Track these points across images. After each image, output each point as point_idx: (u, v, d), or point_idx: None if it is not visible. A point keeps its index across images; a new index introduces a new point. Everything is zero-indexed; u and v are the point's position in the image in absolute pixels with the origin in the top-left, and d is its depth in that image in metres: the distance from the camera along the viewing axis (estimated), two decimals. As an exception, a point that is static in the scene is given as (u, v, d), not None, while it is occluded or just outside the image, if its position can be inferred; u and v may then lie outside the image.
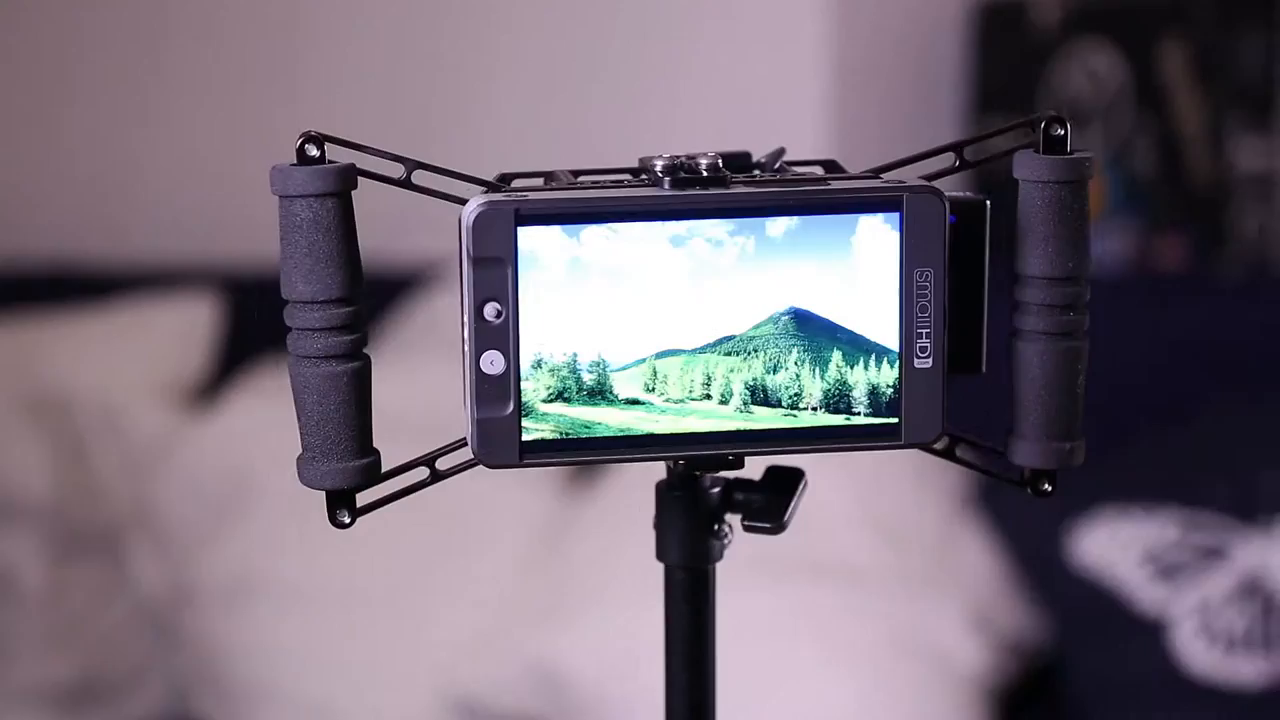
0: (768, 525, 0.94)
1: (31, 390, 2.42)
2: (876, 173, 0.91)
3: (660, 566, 2.05)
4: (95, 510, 2.40)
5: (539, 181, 0.93)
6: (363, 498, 0.90)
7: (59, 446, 2.41)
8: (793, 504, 0.95)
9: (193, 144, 2.64)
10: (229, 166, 2.36)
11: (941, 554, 2.23)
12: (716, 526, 0.96)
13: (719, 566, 2.07)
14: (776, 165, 0.93)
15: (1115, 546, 2.18)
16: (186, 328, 2.45)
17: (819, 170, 0.95)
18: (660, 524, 0.96)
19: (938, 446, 0.92)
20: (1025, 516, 2.27)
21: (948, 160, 0.90)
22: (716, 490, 0.96)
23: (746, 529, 0.96)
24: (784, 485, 0.96)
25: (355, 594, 2.23)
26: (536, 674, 2.10)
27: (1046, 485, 0.92)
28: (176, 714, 2.35)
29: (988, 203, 0.93)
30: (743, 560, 2.05)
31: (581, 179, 0.93)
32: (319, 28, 2.67)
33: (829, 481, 2.20)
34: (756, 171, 0.93)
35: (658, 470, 0.97)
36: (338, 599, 2.23)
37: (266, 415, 2.14)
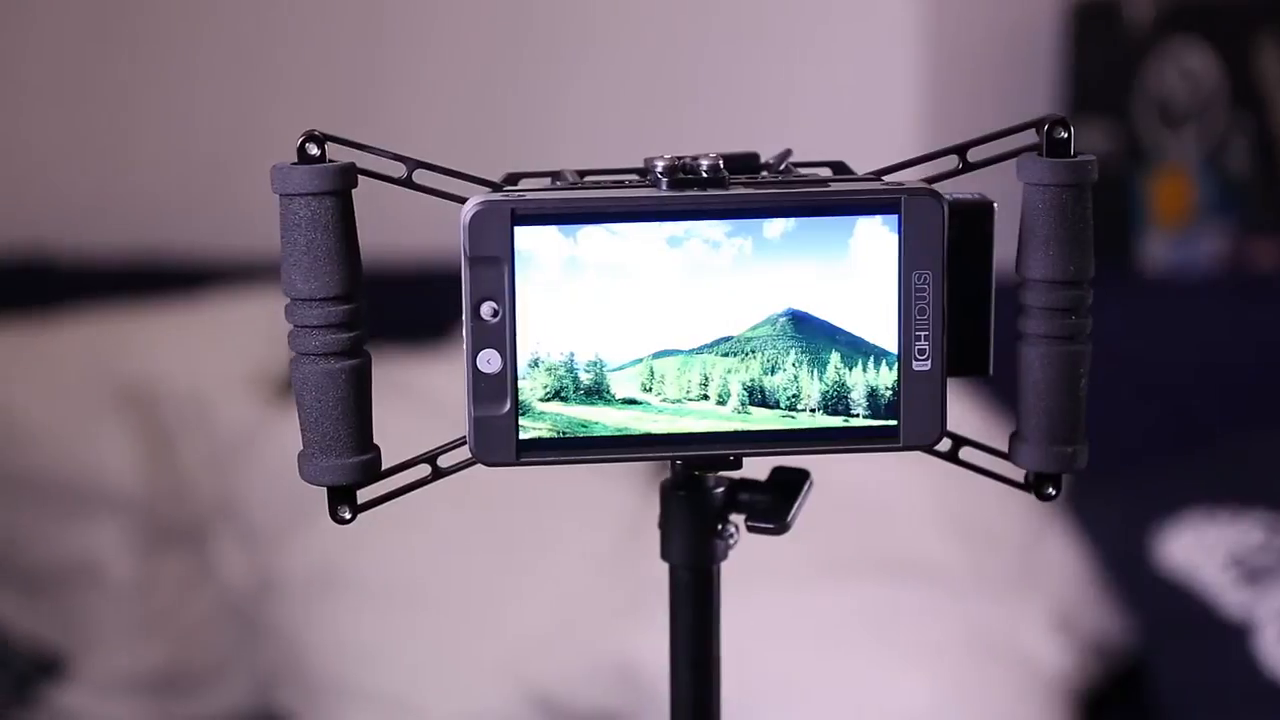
0: (771, 526, 0.94)
1: (120, 383, 2.45)
2: (879, 175, 0.90)
3: (748, 566, 2.06)
4: (182, 502, 2.43)
5: (546, 181, 0.93)
6: (366, 494, 0.90)
7: (147, 439, 2.44)
8: (797, 505, 0.95)
9: (286, 138, 2.66)
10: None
11: (1026, 554, 2.22)
12: (720, 526, 0.96)
13: (812, 565, 2.07)
14: (782, 166, 0.93)
15: (1201, 549, 2.16)
16: (274, 321, 2.46)
17: (827, 171, 0.95)
18: (664, 524, 0.96)
19: (941, 449, 0.92)
20: (1111, 518, 2.25)
21: (951, 163, 0.90)
22: (721, 490, 0.96)
23: (750, 529, 0.96)
24: (789, 486, 0.96)
25: (436, 589, 2.25)
26: (614, 670, 2.11)
27: (1051, 489, 0.91)
28: (259, 707, 2.37)
29: (994, 205, 0.93)
30: (825, 558, 2.06)
31: (587, 179, 0.93)
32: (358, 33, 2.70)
33: (912, 481, 2.21)
34: (764, 173, 0.93)
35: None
36: (419, 593, 2.24)
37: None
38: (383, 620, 2.25)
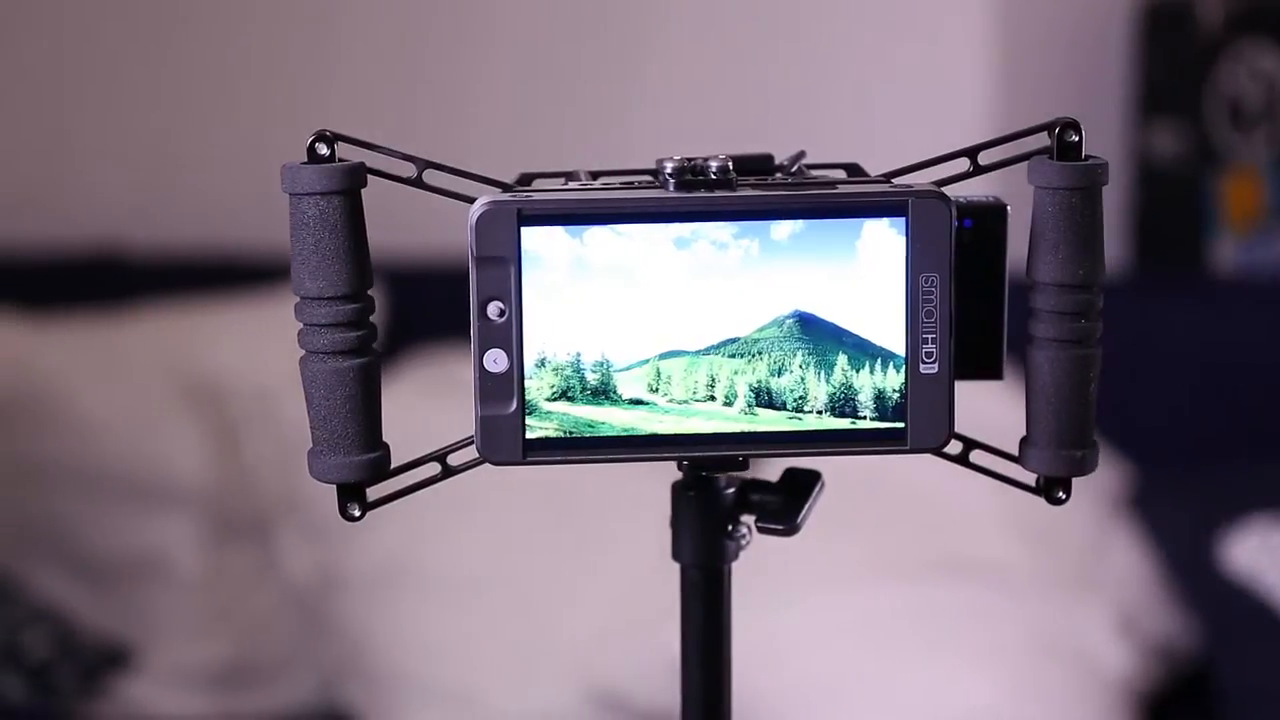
0: (781, 527, 0.94)
1: (189, 378, 2.47)
2: (890, 177, 0.90)
3: (821, 568, 2.06)
4: (248, 497, 2.44)
5: (560, 181, 0.93)
6: (376, 491, 0.91)
7: (214, 434, 2.46)
8: (807, 506, 0.95)
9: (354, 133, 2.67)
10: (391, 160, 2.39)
11: (1091, 556, 2.21)
12: (731, 527, 0.96)
13: (875, 565, 2.07)
14: (794, 168, 0.93)
15: (1266, 553, 2.15)
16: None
17: (841, 173, 0.95)
18: (675, 523, 0.96)
19: (951, 452, 0.92)
20: (1177, 520, 2.24)
21: (962, 165, 0.89)
22: (731, 491, 0.96)
23: (760, 530, 0.96)
24: (800, 487, 0.96)
25: (499, 585, 2.25)
26: (675, 668, 2.10)
27: (1061, 494, 0.91)
28: (323, 702, 2.38)
29: (1007, 207, 0.92)
30: (887, 559, 2.06)
31: (601, 179, 0.94)
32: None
33: (975, 481, 2.19)
34: (778, 174, 0.93)
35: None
36: (481, 589, 2.25)
37: (419, 405, 2.16)
38: (445, 616, 2.26)
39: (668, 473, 2.16)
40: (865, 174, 0.93)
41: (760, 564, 2.05)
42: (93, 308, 2.60)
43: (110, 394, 2.50)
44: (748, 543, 0.97)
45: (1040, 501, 2.14)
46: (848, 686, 2.05)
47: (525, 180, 0.94)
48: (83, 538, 2.44)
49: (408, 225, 1.91)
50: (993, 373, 0.94)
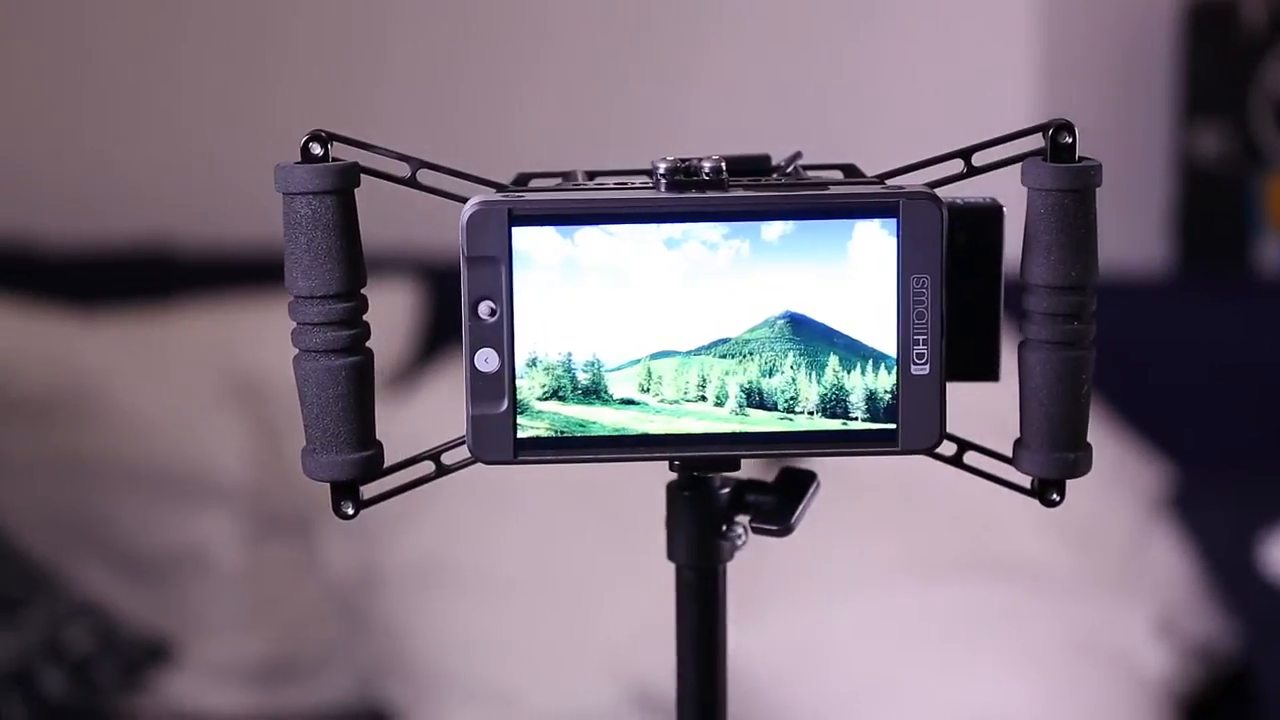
0: (774, 528, 0.94)
1: (233, 374, 2.49)
2: (884, 178, 0.90)
3: (860, 568, 2.06)
4: (289, 493, 2.46)
5: (557, 182, 0.94)
6: (371, 489, 0.92)
7: (256, 430, 2.48)
8: (801, 507, 0.95)
9: (399, 129, 2.69)
10: (432, 157, 2.40)
11: (1130, 557, 2.20)
12: (725, 527, 0.96)
13: (914, 565, 2.07)
14: (789, 169, 0.93)
15: (1307, 556, 2.15)
16: (384, 315, 2.49)
17: (838, 174, 0.95)
18: (669, 523, 0.97)
19: (945, 453, 0.92)
20: (1218, 521, 2.23)
21: (956, 166, 0.89)
22: (726, 491, 0.96)
23: (754, 531, 0.96)
24: (796, 488, 0.96)
25: (538, 582, 2.26)
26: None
27: (1055, 495, 0.91)
28: (362, 699, 2.39)
29: (1003, 208, 0.92)
30: (927, 558, 2.06)
31: (597, 179, 0.94)
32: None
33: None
34: (774, 175, 0.93)
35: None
36: (520, 587, 2.26)
37: (461, 402, 2.17)
38: (484, 614, 2.27)
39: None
40: (862, 175, 0.93)
41: (798, 564, 2.07)
42: (139, 304, 2.61)
43: (155, 390, 2.52)
44: (744, 543, 0.97)
45: (1081, 501, 2.14)
46: (885, 687, 2.05)
47: (522, 180, 0.94)
48: (125, 533, 2.46)
49: (445, 223, 1.92)
50: (989, 374, 0.94)
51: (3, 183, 2.77)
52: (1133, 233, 2.60)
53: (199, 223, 2.72)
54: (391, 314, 2.52)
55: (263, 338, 2.54)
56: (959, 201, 0.93)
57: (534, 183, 0.94)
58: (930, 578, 2.12)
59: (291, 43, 2.78)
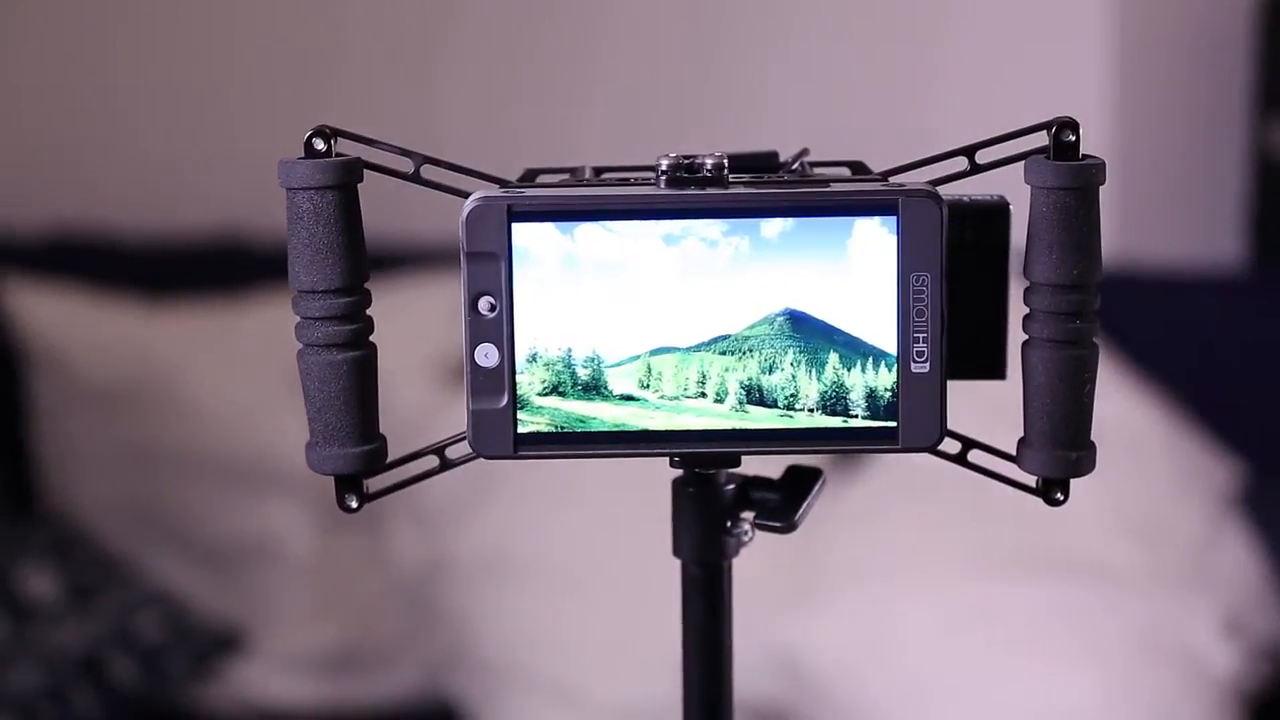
0: (778, 525, 0.95)
1: (303, 364, 2.50)
2: (886, 176, 0.90)
3: (927, 563, 2.06)
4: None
5: (566, 177, 0.94)
6: (376, 483, 0.92)
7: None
8: (806, 504, 0.95)
9: (482, 125, 2.70)
10: (511, 151, 2.42)
11: (1199, 554, 2.18)
12: (730, 524, 0.96)
13: (982, 561, 2.06)
14: (794, 165, 0.93)
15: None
16: (455, 306, 2.48)
17: (845, 171, 0.94)
18: (674, 519, 0.97)
19: (949, 451, 0.91)
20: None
21: (960, 164, 0.89)
22: (732, 487, 0.96)
23: (757, 528, 0.96)
24: (801, 485, 0.96)
25: (603, 574, 2.26)
26: (778, 660, 2.11)
27: (1059, 494, 0.91)
28: (430, 690, 2.41)
29: (1010, 206, 0.92)
30: (995, 555, 2.05)
31: (604, 175, 0.94)
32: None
33: (1084, 481, 2.17)
34: (780, 172, 0.93)
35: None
36: (585, 578, 2.26)
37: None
38: (549, 605, 2.28)
39: (775, 466, 2.17)
40: (869, 171, 0.93)
41: (868, 559, 2.06)
42: (212, 294, 2.63)
43: (227, 380, 2.54)
44: (750, 539, 0.97)
45: (1151, 499, 2.13)
46: (951, 682, 2.04)
47: (530, 176, 0.94)
48: (197, 522, 2.48)
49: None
50: (995, 372, 0.93)
51: (80, 174, 2.80)
52: (1207, 229, 2.58)
53: (271, 214, 2.73)
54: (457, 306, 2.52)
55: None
56: (966, 199, 0.92)
57: (541, 178, 0.94)
58: (998, 574, 2.11)
59: (362, 38, 2.79)
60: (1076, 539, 2.15)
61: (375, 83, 2.77)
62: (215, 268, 2.71)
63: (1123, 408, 2.25)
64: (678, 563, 2.24)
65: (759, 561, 2.18)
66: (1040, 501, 2.11)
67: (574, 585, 2.26)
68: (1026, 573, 2.10)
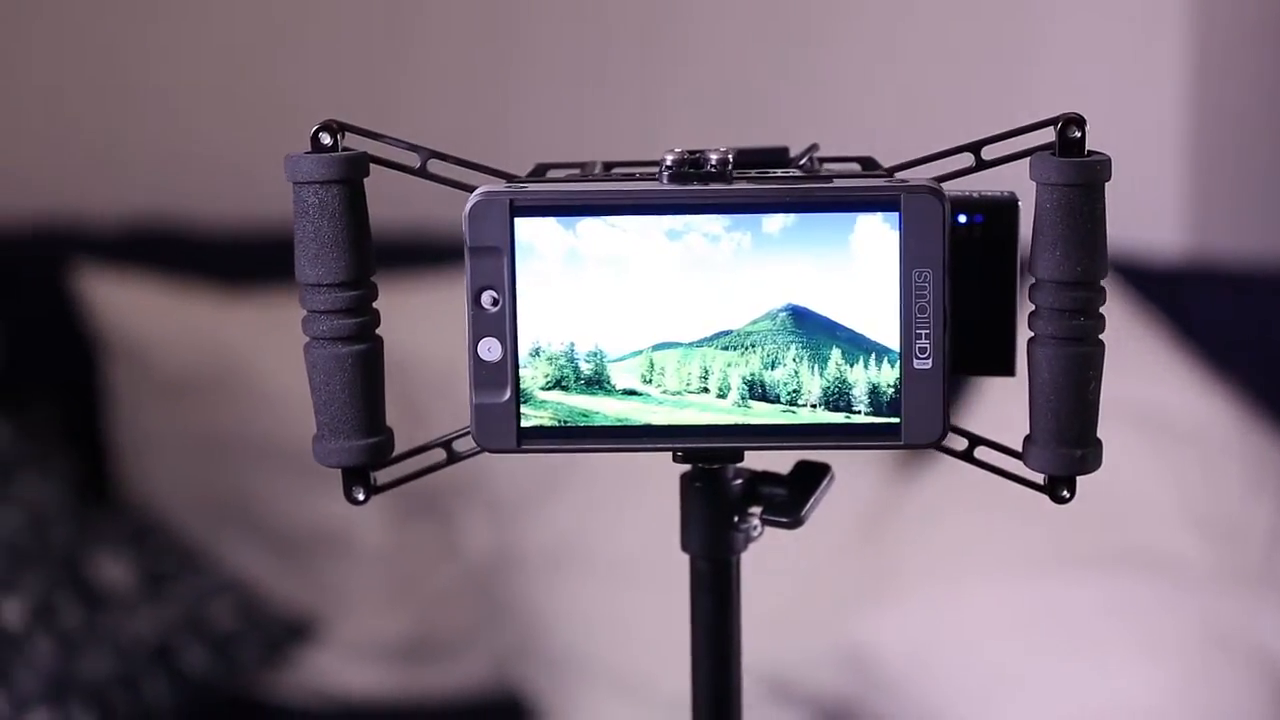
0: (785, 520, 0.95)
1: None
2: (892, 171, 0.90)
3: (995, 557, 2.05)
4: (430, 474, 2.48)
5: (574, 172, 0.95)
6: (384, 476, 0.93)
7: (398, 410, 2.50)
8: (813, 500, 0.95)
9: (550, 121, 2.70)
10: (589, 146, 2.42)
11: (1269, 551, 2.16)
12: (738, 519, 0.96)
13: (1050, 555, 2.05)
14: (803, 160, 0.93)
15: None
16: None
17: (855, 166, 0.94)
18: (683, 514, 0.97)
19: (956, 448, 0.91)
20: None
21: (966, 160, 0.89)
22: (740, 482, 0.96)
23: (765, 523, 0.96)
24: (809, 480, 0.96)
25: (671, 567, 2.26)
26: (844, 656, 2.11)
27: (1065, 492, 0.90)
28: (499, 681, 2.42)
29: (1019, 202, 0.92)
30: (1063, 549, 2.04)
31: (615, 170, 0.95)
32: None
33: (1154, 472, 2.16)
34: (791, 168, 0.93)
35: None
36: (653, 571, 2.26)
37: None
38: (617, 597, 2.29)
39: (854, 458, 2.17)
40: (879, 166, 0.93)
41: (936, 554, 2.06)
42: (287, 284, 2.65)
43: (302, 370, 2.55)
44: (759, 534, 0.97)
45: (1220, 493, 2.11)
46: (1018, 678, 2.04)
47: (540, 171, 0.95)
48: (270, 511, 2.49)
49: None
50: (1005, 369, 0.93)
51: (155, 164, 2.82)
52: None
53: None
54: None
55: (404, 318, 2.56)
56: (975, 195, 0.92)
57: (552, 173, 0.94)
58: (1067, 571, 2.10)
59: (435, 32, 2.80)
60: (1145, 535, 2.13)
61: (448, 83, 2.78)
62: (287, 257, 2.72)
63: (1193, 402, 2.23)
64: (748, 555, 2.24)
65: (827, 558, 2.19)
66: (1113, 497, 2.10)
67: (642, 578, 2.26)
68: (1095, 569, 2.09)
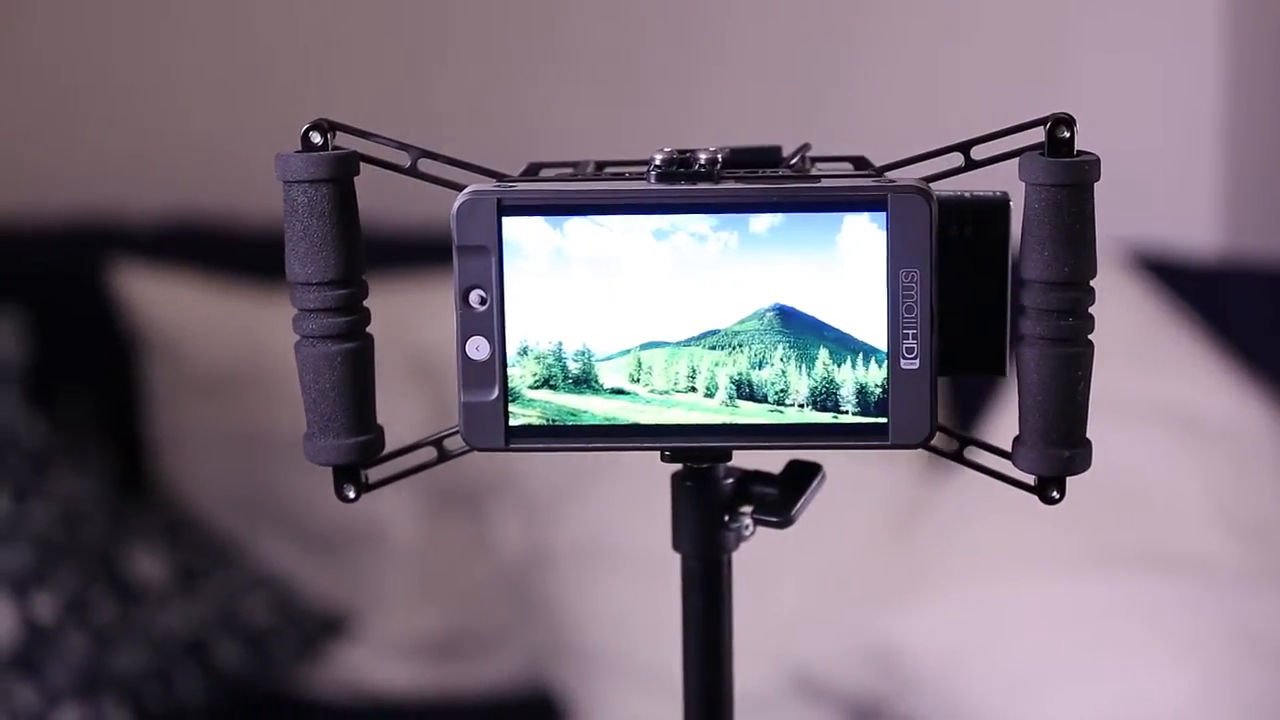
0: (775, 520, 0.95)
1: (411, 351, 2.52)
2: (883, 171, 0.90)
3: (1027, 555, 2.05)
4: (463, 471, 2.48)
5: (566, 172, 0.95)
6: (376, 474, 0.93)
7: (433, 406, 2.51)
8: (804, 499, 0.95)
9: (587, 116, 2.71)
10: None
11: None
12: (728, 518, 0.96)
13: (1080, 554, 2.05)
14: (794, 160, 0.93)
15: None
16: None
17: (848, 166, 0.94)
18: (674, 513, 0.97)
19: (946, 448, 0.91)
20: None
21: (956, 160, 0.89)
22: (731, 482, 0.96)
23: (755, 523, 0.96)
24: (800, 480, 0.96)
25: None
26: (877, 654, 2.11)
27: (1055, 493, 0.90)
28: (531, 679, 2.42)
29: (1009, 202, 0.91)
30: (1093, 548, 2.04)
31: (608, 169, 0.95)
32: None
33: (1185, 471, 2.16)
34: (784, 168, 0.93)
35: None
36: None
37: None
38: (649, 594, 2.28)
39: (888, 457, 2.16)
40: (871, 166, 0.93)
41: (964, 554, 2.05)
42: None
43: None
44: (750, 534, 0.97)
45: (1252, 492, 2.10)
46: (1049, 677, 2.04)
47: (533, 170, 0.95)
48: (306, 506, 2.50)
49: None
50: (996, 369, 0.93)
51: (193, 160, 2.83)
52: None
53: (381, 199, 2.76)
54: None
55: (442, 315, 2.57)
56: (966, 195, 0.92)
57: (545, 172, 0.95)
58: (1099, 570, 2.10)
59: (474, 26, 2.80)
60: (1178, 535, 2.12)
61: (501, 70, 2.78)
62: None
63: (1226, 401, 2.22)
64: (776, 553, 2.25)
65: (858, 557, 2.19)
66: (1143, 496, 2.09)
67: (673, 576, 2.25)
68: (1127, 569, 2.08)
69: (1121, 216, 2.39)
